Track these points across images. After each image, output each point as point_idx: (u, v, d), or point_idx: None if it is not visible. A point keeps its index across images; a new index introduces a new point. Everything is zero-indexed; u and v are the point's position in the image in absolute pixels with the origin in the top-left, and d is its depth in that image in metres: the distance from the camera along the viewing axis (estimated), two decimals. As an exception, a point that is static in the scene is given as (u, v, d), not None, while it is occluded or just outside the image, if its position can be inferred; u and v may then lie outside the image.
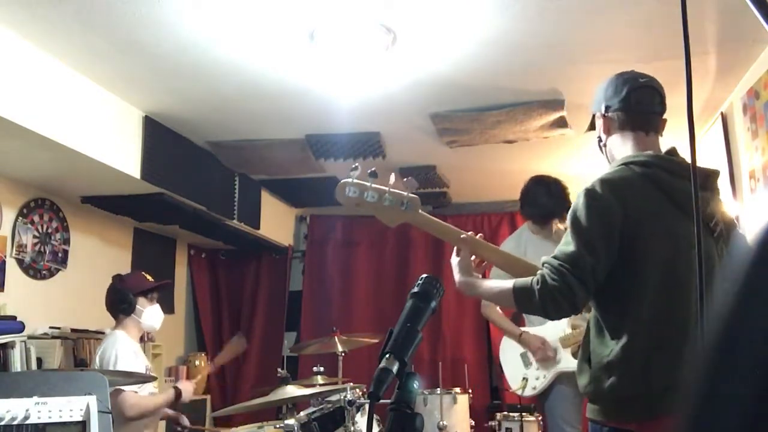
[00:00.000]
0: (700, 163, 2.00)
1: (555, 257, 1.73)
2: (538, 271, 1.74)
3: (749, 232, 1.99)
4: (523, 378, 3.50)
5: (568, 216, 1.78)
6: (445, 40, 2.93)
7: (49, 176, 3.73)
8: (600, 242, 1.70)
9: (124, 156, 3.58)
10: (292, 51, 3.01)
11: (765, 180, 3.05)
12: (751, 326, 0.39)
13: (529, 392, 3.49)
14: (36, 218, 3.92)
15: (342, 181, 1.88)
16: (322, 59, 3.08)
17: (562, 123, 3.78)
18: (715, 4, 2.62)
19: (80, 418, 1.89)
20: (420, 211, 1.89)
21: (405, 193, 1.87)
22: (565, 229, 1.80)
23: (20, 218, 3.80)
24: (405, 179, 1.85)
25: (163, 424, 3.71)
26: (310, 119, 3.86)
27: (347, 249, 5.90)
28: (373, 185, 1.87)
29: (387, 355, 1.10)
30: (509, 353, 3.66)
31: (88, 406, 1.90)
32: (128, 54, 3.04)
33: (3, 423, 1.80)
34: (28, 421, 1.83)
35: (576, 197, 1.80)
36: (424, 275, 1.23)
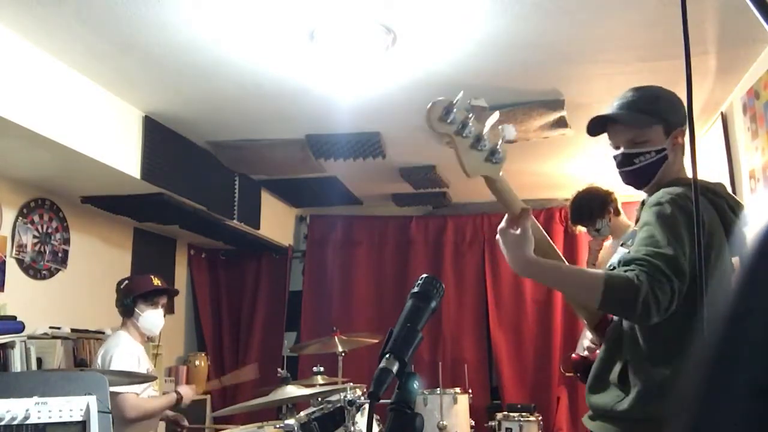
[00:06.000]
0: (701, 165, 2.00)
1: (652, 257, 1.51)
2: (634, 269, 1.50)
3: (749, 232, 2.01)
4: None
5: (657, 218, 1.61)
6: (445, 40, 2.93)
7: (49, 176, 3.73)
8: (690, 251, 1.55)
9: (124, 156, 3.58)
10: (292, 50, 3.01)
11: (765, 180, 3.05)
12: (752, 325, 0.39)
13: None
14: (36, 218, 3.92)
15: (442, 100, 1.49)
16: (322, 59, 3.08)
17: (562, 123, 3.78)
18: (715, 4, 2.62)
19: (80, 418, 1.89)
20: (501, 173, 1.59)
21: (500, 144, 1.58)
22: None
23: (20, 218, 3.80)
24: (501, 126, 1.59)
25: (163, 424, 3.71)
26: (310, 119, 3.86)
27: (347, 249, 5.89)
28: (475, 120, 1.53)
29: (387, 355, 1.10)
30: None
31: (88, 406, 1.90)
32: (128, 54, 3.04)
33: (3, 423, 1.80)
34: (28, 421, 1.83)
35: (661, 204, 1.63)
36: (424, 275, 1.23)
